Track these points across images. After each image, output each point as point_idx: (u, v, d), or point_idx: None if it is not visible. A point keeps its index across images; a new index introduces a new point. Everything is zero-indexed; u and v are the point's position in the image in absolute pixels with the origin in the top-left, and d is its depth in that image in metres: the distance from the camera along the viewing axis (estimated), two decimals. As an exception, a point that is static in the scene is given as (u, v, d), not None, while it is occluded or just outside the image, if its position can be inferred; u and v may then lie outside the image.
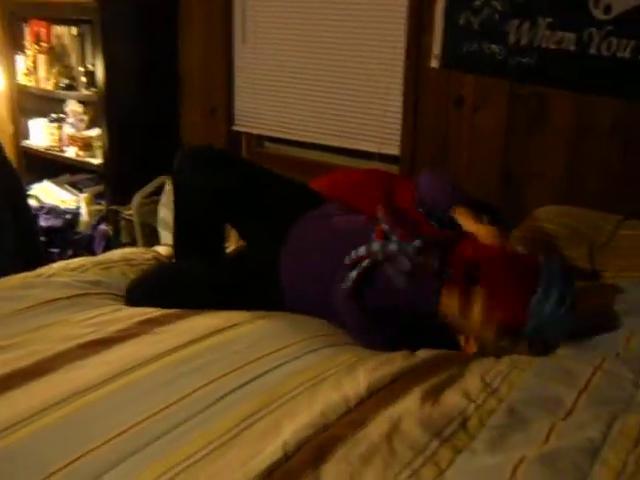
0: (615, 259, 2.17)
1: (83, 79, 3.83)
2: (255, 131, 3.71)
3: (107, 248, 3.37)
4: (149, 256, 2.31)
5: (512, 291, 1.72)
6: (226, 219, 2.18)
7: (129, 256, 2.27)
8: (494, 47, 2.74)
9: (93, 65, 3.71)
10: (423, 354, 1.66)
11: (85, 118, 4.01)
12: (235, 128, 3.75)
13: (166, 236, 3.08)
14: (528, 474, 1.16)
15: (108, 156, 3.69)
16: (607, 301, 1.86)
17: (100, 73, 3.59)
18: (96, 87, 3.68)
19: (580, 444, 1.23)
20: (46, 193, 4.09)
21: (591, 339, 1.75)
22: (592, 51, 2.50)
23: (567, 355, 1.72)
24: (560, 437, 1.28)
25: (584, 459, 1.19)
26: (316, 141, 3.46)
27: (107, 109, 3.64)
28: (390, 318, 1.82)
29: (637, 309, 1.80)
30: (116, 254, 2.30)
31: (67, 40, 3.92)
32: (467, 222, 1.97)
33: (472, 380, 1.54)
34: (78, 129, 4.00)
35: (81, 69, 3.85)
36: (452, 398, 1.45)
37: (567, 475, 1.15)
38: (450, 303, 1.77)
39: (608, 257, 2.19)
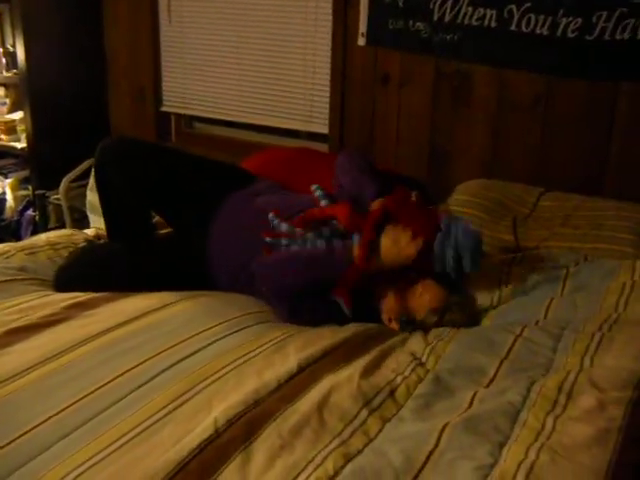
0: (537, 230, 2.24)
1: (3, 60, 3.71)
2: (184, 111, 3.67)
3: (35, 234, 3.27)
4: (74, 239, 2.28)
5: (419, 218, 1.84)
6: (149, 208, 2.17)
7: (54, 240, 2.24)
8: (419, 24, 2.77)
9: (13, 46, 3.59)
10: (352, 329, 1.70)
11: (7, 101, 3.89)
12: (164, 109, 3.70)
13: (95, 220, 3.03)
14: (452, 438, 1.21)
15: (32, 140, 3.59)
16: (530, 271, 1.92)
17: (21, 54, 3.47)
18: (17, 69, 3.57)
19: (501, 408, 1.28)
20: (-31, 179, 3.97)
21: (514, 309, 1.82)
22: (512, 27, 2.56)
23: (491, 326, 1.78)
24: (482, 402, 1.33)
25: (505, 422, 1.25)
26: (245, 120, 3.45)
27: (29, 91, 3.53)
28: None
29: (557, 278, 1.87)
30: (41, 239, 2.26)
31: (-15, 20, 3.80)
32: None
33: (400, 353, 1.59)
34: (0, 113, 3.89)
35: (0, 50, 3.73)
36: (381, 370, 1.49)
37: (489, 437, 1.20)
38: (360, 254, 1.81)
39: (531, 228, 2.26)
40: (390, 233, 1.81)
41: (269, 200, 2.06)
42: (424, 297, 1.80)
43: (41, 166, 3.64)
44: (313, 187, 2.04)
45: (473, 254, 1.77)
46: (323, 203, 1.96)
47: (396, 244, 1.79)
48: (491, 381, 1.43)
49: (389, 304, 1.80)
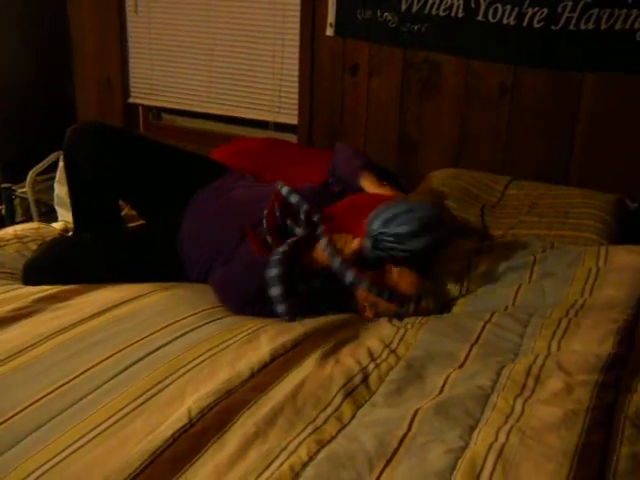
0: (505, 218, 2.28)
1: (-34, 52, 3.64)
2: (152, 103, 3.64)
3: (1, 228, 3.24)
4: (42, 232, 2.26)
5: (350, 218, 1.86)
6: (119, 195, 2.15)
7: (22, 233, 2.22)
8: (387, 15, 2.78)
9: (-25, 37, 3.54)
10: (323, 318, 1.71)
11: (-29, 93, 3.83)
12: (131, 100, 3.67)
13: (63, 213, 3.00)
14: (424, 423, 1.23)
15: (-3, 132, 3.54)
16: (498, 259, 1.95)
17: (-18, 44, 3.43)
18: (-20, 60, 3.51)
19: (471, 392, 1.31)
20: None
21: (483, 296, 1.84)
22: (480, 17, 2.58)
23: (460, 312, 1.80)
24: (453, 387, 1.36)
25: (475, 405, 1.27)
26: (214, 112, 3.43)
27: (-7, 83, 3.49)
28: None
29: (524, 265, 1.90)
30: (8, 232, 2.23)
31: (-54, 10, 3.72)
32: (371, 187, 2.07)
33: (372, 341, 1.60)
34: (-37, 105, 3.82)
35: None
36: (353, 358, 1.51)
37: (460, 421, 1.22)
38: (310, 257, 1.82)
39: (498, 216, 2.30)
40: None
41: (241, 193, 2.06)
42: (399, 285, 1.81)
43: (6, 159, 3.59)
44: (278, 185, 2.00)
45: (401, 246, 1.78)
46: (293, 199, 1.95)
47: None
48: (461, 366, 1.45)
49: (363, 292, 1.81)
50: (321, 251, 1.79)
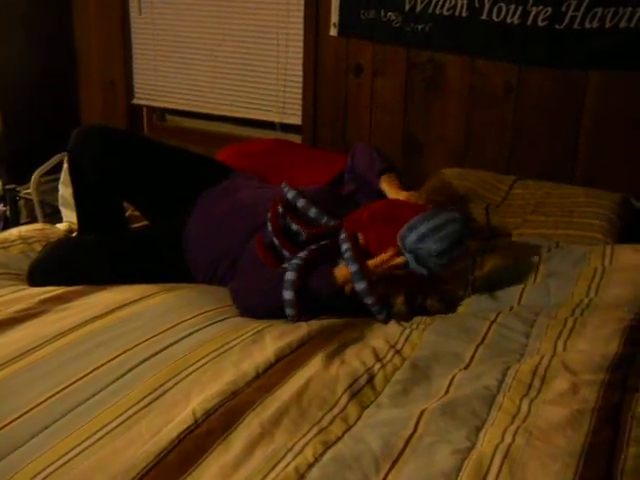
0: (510, 217, 2.27)
1: (-31, 53, 3.65)
2: (156, 104, 3.64)
3: (6, 229, 3.25)
4: (47, 233, 2.26)
5: (381, 228, 1.78)
6: (123, 197, 2.15)
7: (26, 234, 2.22)
8: (391, 14, 2.77)
9: (-21, 37, 3.54)
10: (328, 319, 1.70)
11: (-26, 95, 3.83)
12: (135, 102, 3.67)
13: (68, 214, 3.00)
14: (430, 423, 1.22)
15: (1, 134, 3.54)
16: (503, 258, 1.95)
17: (-14, 45, 3.43)
18: (-17, 61, 3.52)
19: (477, 392, 1.30)
20: (-63, 174, 3.89)
21: (488, 295, 1.84)
22: (484, 17, 2.58)
23: (466, 312, 1.80)
24: (459, 388, 1.35)
25: (481, 406, 1.26)
26: (218, 112, 3.43)
27: (-2, 84, 3.50)
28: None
29: (530, 264, 1.90)
30: (13, 233, 2.23)
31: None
32: (392, 190, 2.01)
33: (377, 341, 1.60)
34: (-32, 107, 3.83)
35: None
36: (358, 358, 1.50)
37: (466, 422, 1.22)
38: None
39: (503, 216, 2.29)
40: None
41: (247, 195, 2.05)
42: (405, 281, 1.80)
43: (11, 160, 3.59)
44: (284, 187, 1.99)
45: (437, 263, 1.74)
46: (300, 204, 1.93)
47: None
48: (467, 366, 1.45)
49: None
50: (345, 269, 1.74)
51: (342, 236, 1.80)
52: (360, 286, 1.70)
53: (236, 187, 2.11)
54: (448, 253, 1.71)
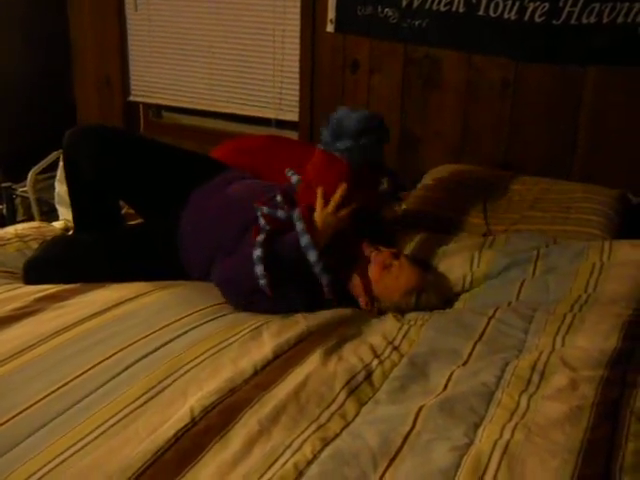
0: (507, 213, 2.27)
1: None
2: (152, 101, 3.63)
3: (2, 227, 3.23)
4: (43, 231, 2.25)
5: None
6: (119, 196, 2.15)
7: (22, 232, 2.21)
8: (387, 10, 2.77)
9: (-27, 35, 3.53)
10: (326, 314, 1.70)
11: (-30, 93, 3.82)
12: (131, 99, 3.66)
13: (64, 212, 2.99)
14: (428, 420, 1.22)
15: (-3, 131, 3.54)
16: (501, 254, 1.94)
17: (-17, 43, 3.42)
18: (-21, 59, 3.50)
19: (475, 389, 1.30)
20: None
21: (486, 291, 1.83)
22: (480, 12, 2.57)
23: (464, 308, 1.79)
24: (457, 384, 1.35)
25: (479, 402, 1.26)
26: (215, 109, 3.42)
27: (-7, 82, 3.48)
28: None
29: (528, 260, 1.89)
30: (9, 231, 2.22)
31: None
32: None
33: (374, 338, 1.59)
34: (-37, 105, 3.81)
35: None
36: (356, 355, 1.50)
37: (464, 418, 1.22)
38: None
39: (501, 212, 2.28)
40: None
41: (239, 189, 2.05)
42: (400, 278, 1.80)
43: (7, 158, 3.58)
44: (288, 173, 2.05)
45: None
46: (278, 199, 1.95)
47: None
48: (465, 363, 1.44)
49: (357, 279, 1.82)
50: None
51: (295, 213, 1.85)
52: (312, 257, 1.76)
53: (227, 182, 2.10)
54: (366, 134, 1.83)
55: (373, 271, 1.84)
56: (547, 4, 2.42)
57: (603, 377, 1.29)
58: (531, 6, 2.46)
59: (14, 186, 3.48)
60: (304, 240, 1.77)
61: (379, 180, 2.14)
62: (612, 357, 1.35)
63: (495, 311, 1.63)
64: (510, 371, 1.35)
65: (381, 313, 1.81)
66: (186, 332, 1.55)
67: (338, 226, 1.83)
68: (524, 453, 1.09)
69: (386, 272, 1.82)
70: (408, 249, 2.04)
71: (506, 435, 1.14)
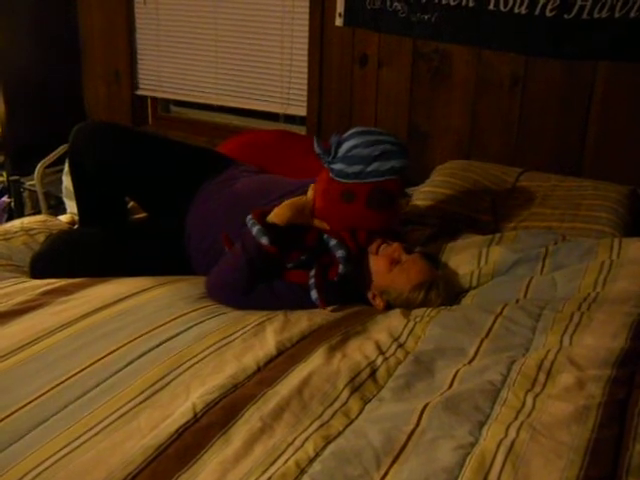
0: (516, 210, 2.25)
1: (-26, 44, 3.64)
2: (160, 95, 3.63)
3: (10, 221, 3.24)
4: (50, 224, 2.25)
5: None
6: (125, 193, 2.14)
7: (29, 226, 2.20)
8: (397, 5, 2.74)
9: (-17, 29, 3.53)
10: (330, 311, 1.69)
11: (-21, 87, 3.82)
12: (139, 93, 3.65)
13: (72, 206, 2.99)
14: (432, 418, 1.21)
15: (6, 125, 3.53)
16: (509, 251, 1.92)
17: (-10, 37, 3.42)
18: (-13, 53, 3.50)
19: (481, 387, 1.28)
20: (-58, 166, 3.89)
21: (494, 288, 1.82)
22: (491, 7, 2.54)
23: (471, 305, 1.78)
24: (462, 382, 1.33)
25: (485, 401, 1.25)
26: (223, 103, 3.42)
27: (2, 75, 3.48)
28: None
29: (536, 257, 1.87)
30: (15, 225, 2.22)
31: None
32: None
33: (380, 334, 1.58)
34: (-28, 98, 3.82)
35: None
36: (361, 352, 1.49)
37: (469, 417, 1.20)
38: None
39: (509, 208, 2.26)
40: None
41: (248, 184, 2.04)
42: (411, 272, 1.79)
43: (15, 152, 3.59)
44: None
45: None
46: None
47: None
48: (471, 361, 1.43)
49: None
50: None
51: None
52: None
53: (235, 178, 2.09)
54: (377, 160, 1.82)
55: (380, 263, 1.83)
56: (558, -2, 2.40)
57: (610, 377, 1.27)
58: (542, 0, 2.43)
59: (22, 179, 3.49)
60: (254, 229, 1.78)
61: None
62: (620, 356, 1.33)
63: (502, 308, 1.61)
64: (516, 369, 1.33)
65: (389, 308, 1.80)
66: (190, 328, 1.54)
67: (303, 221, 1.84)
68: (529, 453, 1.08)
69: (397, 266, 1.80)
70: (416, 245, 2.02)
71: (511, 434, 1.13)
